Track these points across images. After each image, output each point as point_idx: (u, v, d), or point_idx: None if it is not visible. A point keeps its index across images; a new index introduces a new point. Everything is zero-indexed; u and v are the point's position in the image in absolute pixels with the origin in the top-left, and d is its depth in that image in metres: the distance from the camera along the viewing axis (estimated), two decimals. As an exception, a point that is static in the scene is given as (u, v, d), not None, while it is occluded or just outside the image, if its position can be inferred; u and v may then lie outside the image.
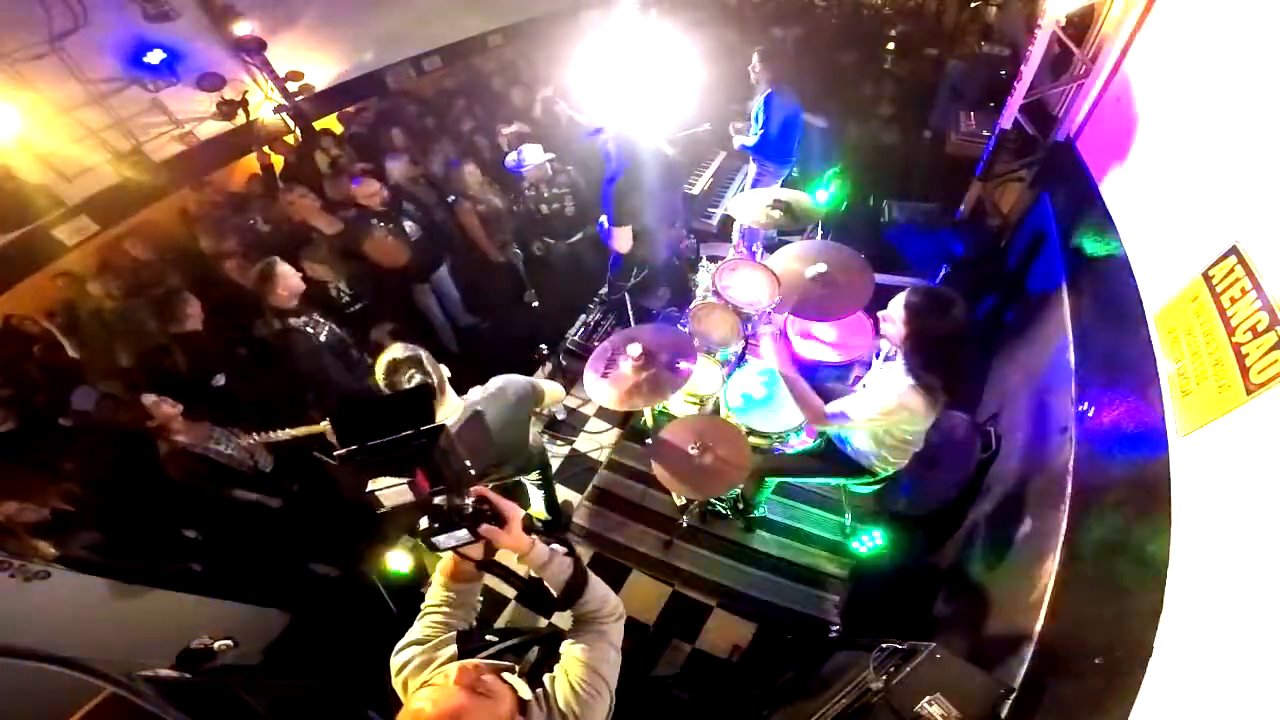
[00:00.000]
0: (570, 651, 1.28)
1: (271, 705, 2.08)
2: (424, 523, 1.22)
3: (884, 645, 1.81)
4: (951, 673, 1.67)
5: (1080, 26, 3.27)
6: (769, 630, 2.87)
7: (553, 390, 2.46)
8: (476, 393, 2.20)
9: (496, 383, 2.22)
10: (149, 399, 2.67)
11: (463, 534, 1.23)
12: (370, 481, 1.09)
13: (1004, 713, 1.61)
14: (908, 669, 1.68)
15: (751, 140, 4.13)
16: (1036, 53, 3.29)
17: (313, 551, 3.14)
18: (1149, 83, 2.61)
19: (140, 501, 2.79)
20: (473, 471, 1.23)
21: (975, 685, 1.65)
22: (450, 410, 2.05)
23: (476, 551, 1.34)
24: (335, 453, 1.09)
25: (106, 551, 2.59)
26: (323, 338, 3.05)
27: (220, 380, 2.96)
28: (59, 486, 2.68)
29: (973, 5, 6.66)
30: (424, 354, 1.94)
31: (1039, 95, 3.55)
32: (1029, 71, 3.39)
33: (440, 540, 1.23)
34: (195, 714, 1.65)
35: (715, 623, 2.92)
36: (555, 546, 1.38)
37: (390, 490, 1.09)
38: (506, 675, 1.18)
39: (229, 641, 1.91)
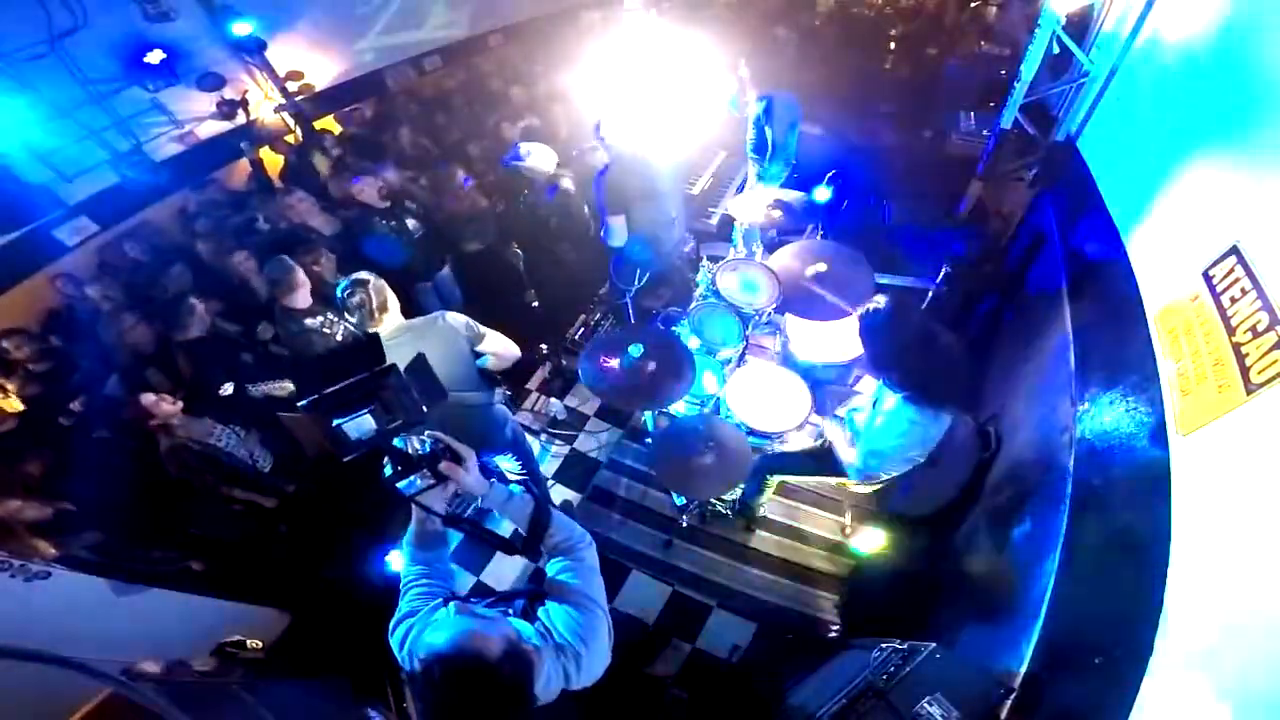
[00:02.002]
0: (555, 584, 1.33)
1: (272, 704, 2.08)
2: (388, 469, 1.30)
3: (884, 645, 1.81)
4: (951, 673, 1.67)
5: (1080, 26, 3.28)
6: (769, 630, 2.88)
7: (499, 340, 2.47)
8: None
9: (434, 314, 2.40)
10: (148, 398, 2.66)
11: (425, 478, 1.32)
12: (334, 419, 1.18)
13: (1004, 713, 1.61)
14: (908, 669, 1.69)
15: (751, 147, 4.11)
16: (1036, 53, 3.30)
17: (312, 551, 3.14)
18: (1149, 83, 2.61)
19: (141, 501, 2.79)
20: (424, 408, 1.31)
21: (975, 685, 1.66)
22: (389, 326, 2.30)
23: (439, 504, 1.39)
24: (299, 404, 1.17)
25: (107, 552, 2.59)
26: (339, 336, 3.05)
27: (229, 389, 2.94)
28: (56, 488, 2.66)
29: (973, 5, 6.66)
30: (372, 281, 2.29)
31: (1039, 95, 3.55)
32: (1029, 71, 3.39)
33: (405, 485, 1.31)
34: (196, 714, 1.65)
35: (715, 623, 2.93)
36: (513, 487, 1.45)
37: (353, 422, 1.19)
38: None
39: (259, 643, 1.93)
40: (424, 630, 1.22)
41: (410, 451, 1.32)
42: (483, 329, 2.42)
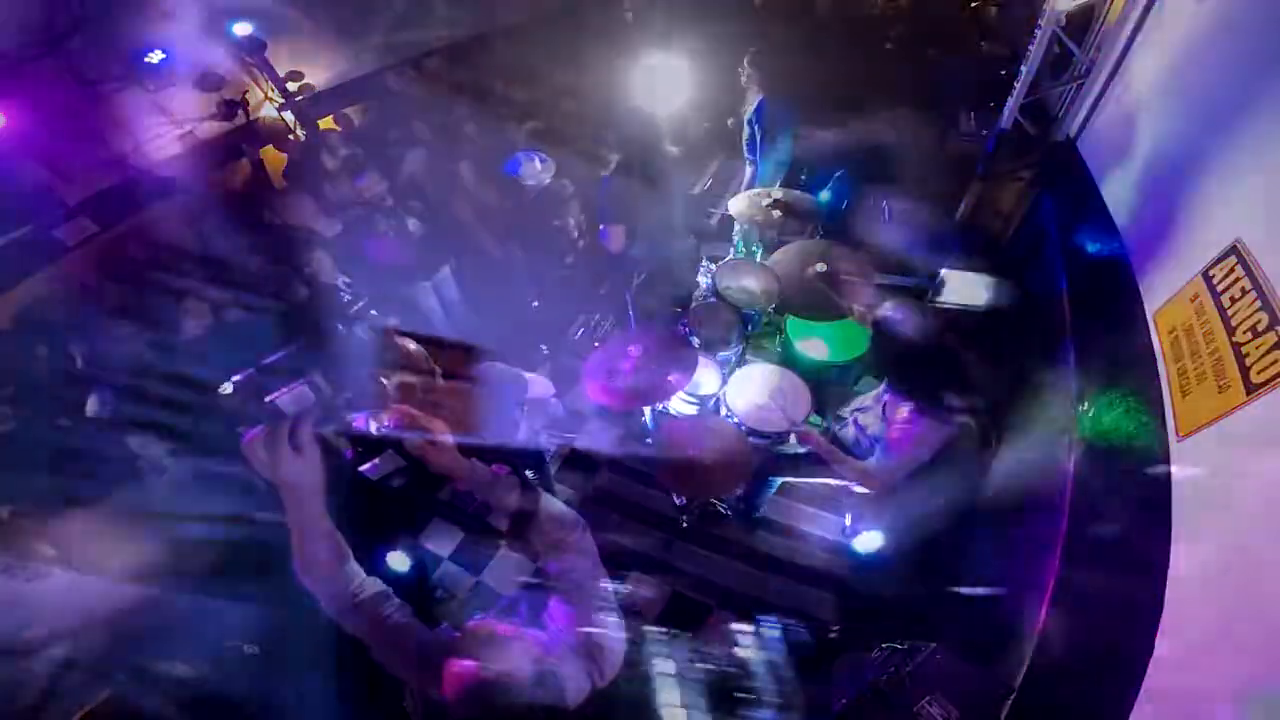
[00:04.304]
0: (556, 582, 1.27)
1: (273, 705, 2.08)
2: (350, 454, 1.18)
3: (884, 645, 1.81)
4: (951, 673, 1.67)
5: (1080, 26, 3.27)
6: (768, 630, 2.87)
7: (539, 385, 2.39)
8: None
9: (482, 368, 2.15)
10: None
11: (392, 459, 1.18)
12: (266, 396, 1.07)
13: (1004, 713, 1.61)
14: (908, 669, 1.69)
15: (748, 147, 4.12)
16: (1036, 53, 3.30)
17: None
18: (1149, 83, 2.61)
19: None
20: (385, 381, 1.19)
21: (975, 685, 1.66)
22: None
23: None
24: (233, 379, 1.07)
25: (108, 551, 2.58)
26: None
27: (229, 388, 2.90)
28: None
29: (973, 5, 6.65)
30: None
31: (1039, 95, 3.55)
32: (1029, 71, 3.39)
33: (369, 470, 1.19)
34: (197, 714, 1.65)
35: (715, 622, 2.92)
36: (498, 470, 1.29)
37: (287, 396, 1.07)
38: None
39: (255, 647, 1.92)
40: (445, 654, 1.10)
41: (374, 431, 1.18)
42: (524, 377, 2.31)
